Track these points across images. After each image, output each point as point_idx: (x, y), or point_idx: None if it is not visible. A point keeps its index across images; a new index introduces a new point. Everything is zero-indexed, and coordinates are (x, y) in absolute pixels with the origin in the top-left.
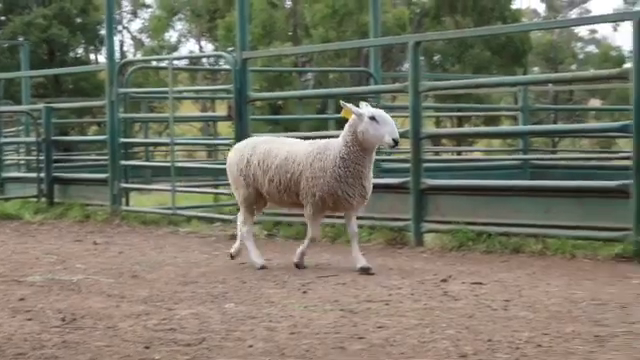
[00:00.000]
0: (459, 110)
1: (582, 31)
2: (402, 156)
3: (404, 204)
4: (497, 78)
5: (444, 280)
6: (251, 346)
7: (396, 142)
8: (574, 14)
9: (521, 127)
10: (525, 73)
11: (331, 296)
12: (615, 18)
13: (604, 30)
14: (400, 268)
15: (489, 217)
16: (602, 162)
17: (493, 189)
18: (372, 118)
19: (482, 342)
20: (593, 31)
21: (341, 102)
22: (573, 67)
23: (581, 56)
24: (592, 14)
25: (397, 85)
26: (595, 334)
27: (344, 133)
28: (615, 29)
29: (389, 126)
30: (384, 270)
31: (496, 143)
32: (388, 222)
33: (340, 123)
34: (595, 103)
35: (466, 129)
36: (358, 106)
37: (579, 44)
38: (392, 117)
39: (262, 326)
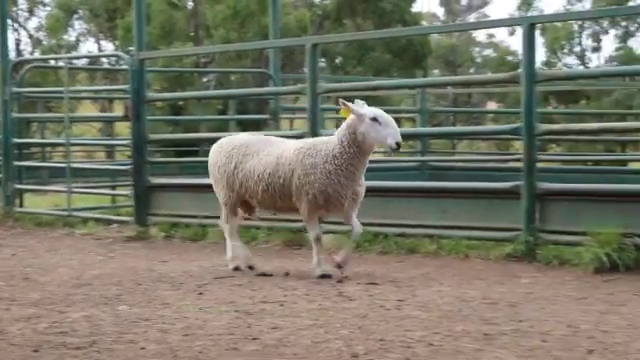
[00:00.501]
0: None
1: (480, 35)
2: None
3: None
4: (395, 80)
5: (340, 281)
6: (143, 348)
7: (399, 145)
8: (472, 18)
9: (419, 129)
10: (425, 76)
11: (227, 297)
12: (507, 23)
13: (501, 35)
14: (297, 269)
15: (386, 218)
16: (498, 164)
17: (390, 190)
18: (374, 119)
19: (374, 342)
20: (491, 35)
21: (340, 100)
22: (472, 70)
23: (479, 60)
24: (489, 19)
25: (295, 87)
26: (484, 332)
27: (341, 132)
28: (512, 34)
29: (391, 128)
30: (281, 271)
31: None
32: (287, 223)
33: (241, 124)
34: (492, 106)
35: None
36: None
37: (477, 48)
38: (293, 119)
39: (155, 328)
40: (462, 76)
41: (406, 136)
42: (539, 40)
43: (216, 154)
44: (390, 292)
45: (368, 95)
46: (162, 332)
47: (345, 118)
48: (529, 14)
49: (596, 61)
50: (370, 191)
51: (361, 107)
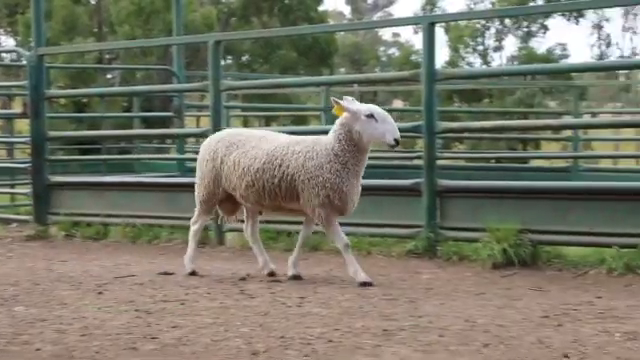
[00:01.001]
0: (266, 110)
1: (385, 34)
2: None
3: None
4: (298, 78)
5: (242, 279)
6: (39, 349)
7: (397, 142)
8: (377, 17)
9: (323, 127)
10: (332, 74)
11: (127, 297)
12: (408, 22)
13: (406, 34)
14: (200, 267)
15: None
16: (403, 162)
17: None
18: (370, 116)
19: (275, 339)
20: (396, 34)
21: (332, 99)
22: (377, 69)
23: (384, 58)
24: (390, 18)
25: (198, 84)
26: (384, 328)
27: (336, 131)
28: (416, 32)
29: (389, 124)
30: (183, 270)
31: None
32: (189, 222)
33: (146, 122)
34: (398, 104)
35: (269, 128)
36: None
37: (382, 47)
38: (200, 116)
39: (52, 329)
40: (364, 74)
41: (307, 134)
42: (443, 39)
43: (204, 149)
44: (292, 289)
45: (274, 93)
46: (59, 333)
47: (337, 116)
48: (433, 13)
49: (498, 60)
50: None
51: (354, 104)
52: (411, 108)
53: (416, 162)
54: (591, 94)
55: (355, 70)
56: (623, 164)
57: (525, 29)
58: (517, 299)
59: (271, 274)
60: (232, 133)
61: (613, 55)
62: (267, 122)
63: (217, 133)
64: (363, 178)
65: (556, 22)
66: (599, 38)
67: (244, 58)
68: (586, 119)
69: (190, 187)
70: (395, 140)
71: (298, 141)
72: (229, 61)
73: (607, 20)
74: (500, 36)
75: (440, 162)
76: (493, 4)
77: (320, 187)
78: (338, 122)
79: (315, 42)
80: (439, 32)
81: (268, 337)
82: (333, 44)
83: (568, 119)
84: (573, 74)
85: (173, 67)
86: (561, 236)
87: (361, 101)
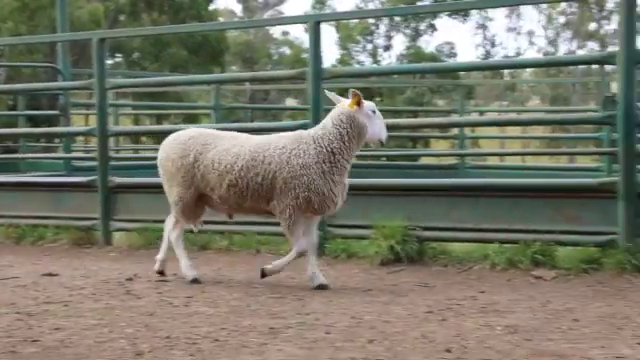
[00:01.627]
0: (156, 108)
1: (276, 32)
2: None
3: (93, 203)
4: (185, 76)
5: (129, 279)
6: None
7: (383, 144)
8: (269, 15)
9: (211, 125)
10: (223, 72)
11: (9, 299)
12: (295, 21)
13: (297, 32)
14: (86, 268)
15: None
16: None
17: None
18: (373, 112)
19: (160, 339)
20: (286, 33)
21: (352, 90)
22: (269, 67)
23: (276, 57)
24: (277, 16)
25: (83, 82)
26: (270, 326)
27: (338, 125)
28: (307, 30)
29: (383, 123)
30: (68, 271)
31: None
32: (75, 221)
33: (32, 120)
34: (291, 102)
35: (155, 127)
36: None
37: (274, 45)
38: (88, 114)
39: None
40: (251, 72)
41: None
42: (333, 37)
43: (169, 148)
44: (180, 289)
45: (165, 91)
46: None
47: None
48: (323, 12)
49: (388, 59)
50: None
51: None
52: (301, 107)
53: None
54: (478, 93)
55: (247, 68)
56: (509, 161)
57: (413, 28)
58: (403, 295)
59: (160, 273)
60: (204, 132)
61: (498, 55)
62: (158, 120)
63: (182, 132)
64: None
65: (443, 22)
66: (484, 38)
67: (134, 56)
68: (473, 117)
69: (76, 186)
70: (382, 143)
71: (282, 137)
72: (118, 59)
73: (491, 20)
74: (389, 35)
75: None
76: (383, 4)
77: (302, 188)
78: (344, 116)
79: (206, 40)
80: (330, 31)
81: (153, 337)
82: (224, 42)
83: (456, 117)
84: (460, 73)
85: (58, 64)
86: (447, 232)
87: (253, 100)
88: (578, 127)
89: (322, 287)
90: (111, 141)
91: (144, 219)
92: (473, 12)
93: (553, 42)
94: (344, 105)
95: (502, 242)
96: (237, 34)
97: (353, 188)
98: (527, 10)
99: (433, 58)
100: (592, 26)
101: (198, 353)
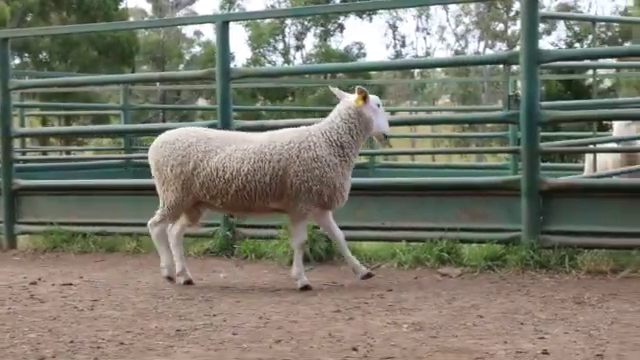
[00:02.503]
0: (65, 109)
1: (189, 32)
2: None
3: None
4: (93, 77)
5: (33, 283)
6: None
7: (386, 137)
8: (181, 14)
9: (116, 125)
10: (133, 72)
11: None
12: (202, 20)
13: (208, 32)
14: None
15: (85, 217)
16: None
17: (90, 188)
18: (378, 106)
19: (64, 344)
20: (199, 33)
21: (358, 87)
22: (181, 67)
23: (188, 56)
24: (184, 16)
25: None
26: (177, 328)
27: (347, 120)
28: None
29: (385, 116)
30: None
31: (106, 142)
32: None
33: None
34: (203, 102)
35: (59, 128)
36: None
37: (186, 45)
38: None
39: None
40: (159, 72)
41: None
42: (244, 37)
43: (166, 151)
44: (85, 292)
45: (74, 92)
46: None
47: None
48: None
49: (300, 59)
50: (68, 190)
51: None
52: (211, 107)
53: None
54: (389, 92)
55: (157, 68)
56: (419, 160)
57: (323, 28)
58: (311, 295)
59: (188, 282)
60: (202, 136)
61: (408, 54)
62: (67, 121)
63: (177, 134)
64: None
65: (352, 22)
66: (394, 38)
67: (42, 56)
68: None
69: None
70: (385, 136)
71: (285, 133)
72: (26, 59)
73: (400, 20)
74: (300, 35)
75: None
76: (293, 3)
77: (314, 181)
78: (351, 111)
79: (116, 40)
80: (241, 30)
81: (57, 342)
82: (134, 42)
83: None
84: (371, 73)
85: None
86: (355, 231)
87: (164, 100)
88: (488, 126)
89: (369, 276)
90: (17, 142)
91: (50, 222)
92: (383, 12)
93: (462, 42)
94: (350, 100)
95: (409, 240)
96: (148, 34)
97: None
98: (436, 10)
99: (343, 57)
100: (500, 27)
101: (102, 357)
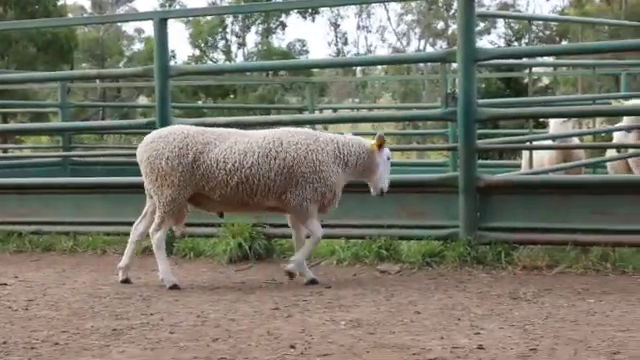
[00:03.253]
0: (2, 106)
1: (129, 29)
2: None
3: None
4: (26, 74)
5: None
6: None
7: (382, 194)
8: (122, 11)
9: (54, 123)
10: (72, 69)
11: None
12: (139, 17)
13: (149, 29)
14: None
15: (21, 215)
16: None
17: (26, 187)
18: (388, 159)
19: None
20: (140, 30)
21: (379, 135)
22: (121, 64)
23: (128, 53)
24: (122, 13)
25: None
26: (113, 328)
27: (360, 150)
28: None
29: (389, 172)
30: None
31: (45, 140)
32: None
33: None
34: (144, 100)
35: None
36: None
37: (126, 42)
38: None
39: None
40: (97, 70)
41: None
42: (185, 34)
43: (160, 145)
44: (20, 292)
45: (12, 89)
46: None
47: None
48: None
49: (241, 57)
50: (4, 188)
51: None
52: (150, 104)
53: None
54: (331, 90)
55: (97, 66)
56: None
57: (264, 25)
58: (250, 292)
59: (125, 281)
60: (198, 130)
61: (350, 52)
62: (4, 119)
63: (171, 130)
64: (107, 175)
65: (295, 20)
66: (336, 36)
67: None
68: (329, 114)
69: None
70: (382, 191)
71: (291, 131)
72: None
73: (342, 18)
74: (242, 32)
75: None
76: (238, 1)
77: (320, 182)
78: (365, 146)
79: (55, 37)
80: (182, 28)
81: None
82: (74, 39)
83: (313, 114)
84: (313, 70)
85: None
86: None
87: (104, 98)
88: (429, 123)
89: (313, 282)
90: None
91: None
92: (325, 10)
93: (403, 40)
94: (368, 141)
95: (348, 238)
96: (87, 30)
97: None
98: (377, 9)
99: (285, 55)
100: (441, 25)
101: (36, 358)
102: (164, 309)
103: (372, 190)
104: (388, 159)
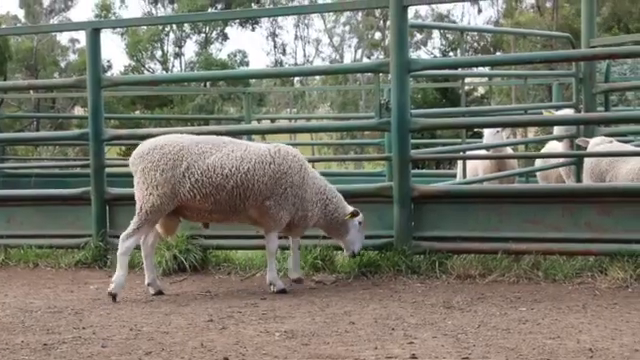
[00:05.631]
0: None
1: (63, 39)
2: None
3: None
4: None
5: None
6: None
7: (354, 255)
8: (57, 21)
9: None
10: (5, 80)
11: None
12: (71, 28)
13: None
14: None
15: None
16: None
17: None
18: (360, 223)
19: None
20: (74, 40)
21: (354, 211)
22: (56, 75)
23: (63, 64)
24: (54, 23)
25: None
26: (44, 342)
27: (337, 206)
28: None
29: (362, 236)
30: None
31: None
32: None
33: None
34: (79, 111)
35: None
36: None
37: (60, 52)
38: None
39: None
40: (27, 81)
41: None
42: (122, 45)
43: (155, 156)
44: None
45: None
46: None
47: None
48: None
49: (178, 66)
50: None
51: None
52: (83, 115)
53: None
54: (269, 100)
55: (31, 76)
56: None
57: (203, 35)
58: (185, 305)
59: (158, 292)
60: (193, 140)
61: (288, 62)
62: None
63: (166, 140)
64: (40, 187)
65: (235, 30)
66: (275, 46)
67: None
68: (266, 124)
69: None
70: (354, 253)
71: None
72: None
73: (281, 28)
74: (179, 42)
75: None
76: (176, 11)
77: (298, 199)
78: (341, 210)
79: None
80: (117, 39)
81: None
82: (7, 49)
83: (250, 125)
84: (252, 81)
85: None
86: (229, 240)
87: (38, 109)
88: (367, 133)
89: (283, 292)
90: None
91: None
92: (263, 21)
93: (340, 51)
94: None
95: (284, 249)
96: (21, 40)
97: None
98: (316, 20)
99: (224, 65)
100: (378, 35)
101: None
102: (96, 323)
103: (345, 251)
104: (360, 224)
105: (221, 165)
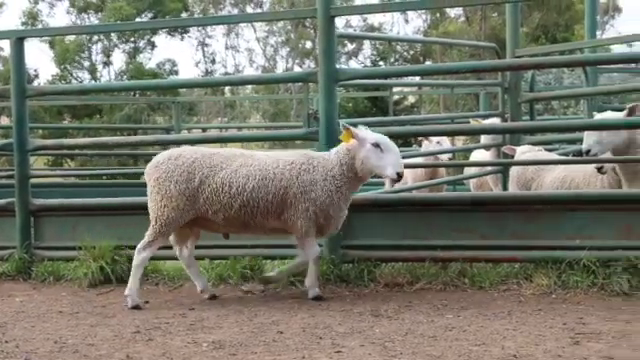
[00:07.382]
0: None
1: None
2: None
3: None
4: None
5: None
6: None
7: (400, 176)
8: None
9: None
10: None
11: None
12: None
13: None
14: None
15: None
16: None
17: None
18: (376, 145)
19: None
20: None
21: (342, 123)
22: None
23: None
24: None
25: None
26: None
27: (340, 155)
28: None
29: (394, 156)
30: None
31: None
32: None
33: None
34: (5, 120)
35: None
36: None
37: None
38: None
39: None
40: None
41: None
42: (50, 53)
43: (170, 167)
44: None
45: None
46: None
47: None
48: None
49: (107, 76)
50: None
51: (364, 132)
52: (8, 125)
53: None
54: (200, 110)
55: None
56: None
57: (132, 45)
58: (111, 316)
59: (212, 297)
60: (206, 153)
61: (218, 72)
62: None
63: (180, 152)
64: None
65: (164, 39)
66: (204, 55)
67: None
68: (196, 134)
69: None
70: (397, 174)
71: (290, 154)
72: None
73: (210, 37)
74: (108, 51)
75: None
76: (102, 20)
77: (310, 202)
78: (344, 147)
79: None
80: (45, 47)
81: None
82: None
83: (179, 134)
84: (181, 90)
85: None
86: (157, 251)
87: None
88: (298, 142)
89: (319, 298)
90: None
91: None
92: (193, 30)
93: (271, 61)
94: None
95: (212, 259)
96: None
97: (59, 209)
98: (246, 29)
99: (154, 75)
100: (309, 45)
101: None
102: (20, 336)
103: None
104: (377, 146)
105: (229, 183)
